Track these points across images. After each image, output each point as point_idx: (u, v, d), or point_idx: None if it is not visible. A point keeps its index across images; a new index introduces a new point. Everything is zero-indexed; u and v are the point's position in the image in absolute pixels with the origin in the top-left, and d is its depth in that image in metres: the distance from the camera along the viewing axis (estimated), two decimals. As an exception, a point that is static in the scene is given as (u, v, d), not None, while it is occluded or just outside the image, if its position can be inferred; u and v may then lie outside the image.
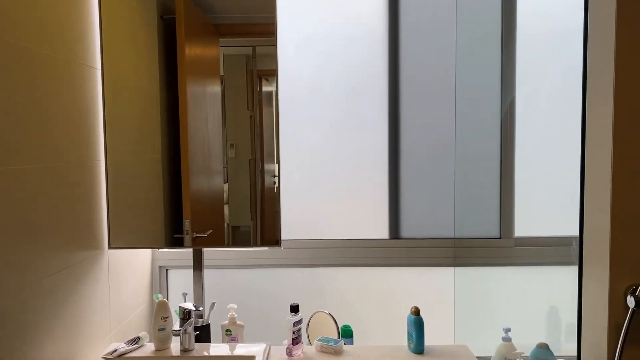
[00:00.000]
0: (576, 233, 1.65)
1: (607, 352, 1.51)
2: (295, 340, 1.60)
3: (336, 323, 1.76)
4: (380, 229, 1.98)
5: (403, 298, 1.97)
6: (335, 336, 1.74)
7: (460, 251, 1.94)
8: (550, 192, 1.93)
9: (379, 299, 1.98)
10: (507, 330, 1.77)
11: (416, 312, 1.61)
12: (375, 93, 1.95)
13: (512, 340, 1.76)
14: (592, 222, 1.56)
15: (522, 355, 1.72)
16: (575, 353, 1.68)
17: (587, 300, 1.61)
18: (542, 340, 1.80)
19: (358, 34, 1.94)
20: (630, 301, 1.44)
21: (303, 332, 1.69)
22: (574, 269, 1.69)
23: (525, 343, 1.80)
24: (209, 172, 1.78)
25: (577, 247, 1.58)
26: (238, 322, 1.73)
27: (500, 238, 1.95)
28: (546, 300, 1.92)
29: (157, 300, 1.60)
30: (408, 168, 1.96)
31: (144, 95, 1.70)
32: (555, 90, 1.91)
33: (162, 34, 1.71)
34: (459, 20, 1.91)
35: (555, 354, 1.78)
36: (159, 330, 1.57)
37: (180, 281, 2.01)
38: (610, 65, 1.45)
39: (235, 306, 1.75)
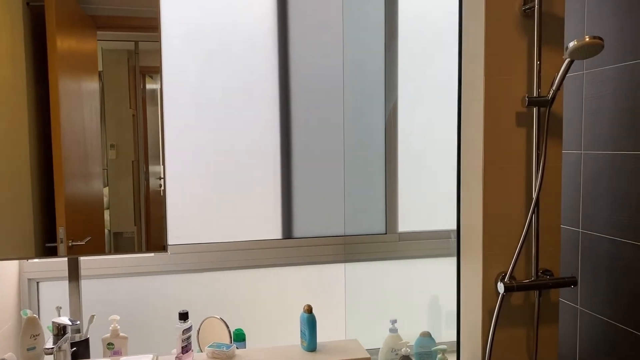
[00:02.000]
0: (454, 227, 1.77)
1: (482, 335, 1.64)
2: (185, 349, 1.53)
3: (228, 328, 1.72)
4: (272, 229, 1.98)
5: (297, 297, 1.98)
6: (227, 341, 1.70)
7: (349, 247, 2.00)
8: (431, 190, 2.06)
9: (273, 299, 1.97)
10: (394, 321, 1.86)
11: (308, 310, 1.63)
12: (266, 92, 1.94)
13: (399, 331, 1.85)
14: (468, 217, 1.69)
15: (408, 344, 1.81)
16: (455, 338, 1.80)
17: (464, 289, 1.73)
18: (425, 328, 1.92)
19: (247, 32, 1.92)
20: (500, 287, 1.58)
21: (193, 340, 1.63)
22: (453, 260, 1.81)
23: (411, 333, 1.90)
24: (86, 175, 1.65)
25: (455, 240, 1.70)
26: (121, 334, 1.62)
27: (385, 233, 2.03)
28: (428, 291, 2.03)
29: (25, 317, 1.45)
30: (300, 168, 1.98)
31: (9, 90, 1.53)
32: (435, 92, 2.04)
33: (30, 23, 1.55)
34: (346, 21, 1.96)
35: (436, 340, 1.90)
36: (28, 349, 1.42)
37: (54, 294, 1.83)
38: (480, 71, 1.58)
39: (118, 317, 1.64)
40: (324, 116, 1.98)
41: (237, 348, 1.67)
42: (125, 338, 1.62)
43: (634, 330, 1.57)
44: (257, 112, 1.94)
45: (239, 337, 1.79)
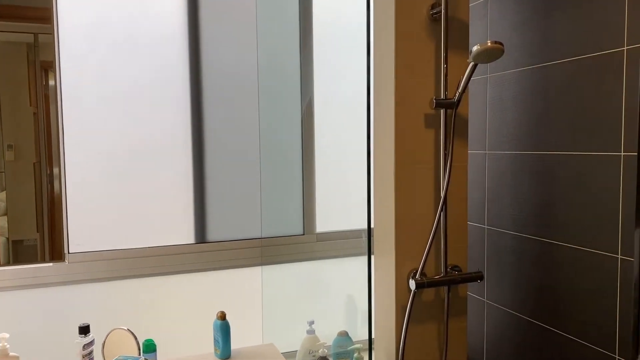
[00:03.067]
0: (366, 226, 1.79)
1: (396, 331, 1.67)
2: (87, 365, 1.43)
3: (136, 339, 1.63)
4: (185, 234, 1.90)
5: (212, 303, 1.91)
6: (135, 354, 1.61)
7: (267, 250, 1.97)
8: (347, 189, 2.07)
9: (186, 307, 1.90)
10: (311, 323, 1.85)
11: (222, 316, 1.58)
12: (176, 88, 1.86)
13: (316, 332, 1.85)
14: (380, 216, 1.71)
15: (325, 345, 1.81)
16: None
17: (377, 287, 1.76)
18: (343, 328, 1.93)
19: (156, 24, 1.83)
20: (412, 284, 1.61)
21: (97, 354, 1.52)
22: (366, 259, 1.84)
23: (329, 333, 1.90)
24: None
25: (366, 239, 1.72)
26: (11, 353, 1.48)
27: (303, 234, 2.02)
28: (345, 290, 2.05)
29: None
30: (213, 169, 1.91)
31: None
32: (349, 92, 2.06)
33: None
34: (260, 19, 1.92)
35: (354, 339, 1.92)
36: None
37: None
38: (391, 73, 1.61)
39: (7, 335, 1.49)
40: (239, 115, 1.93)
41: (146, 360, 1.59)
42: (16, 357, 1.48)
43: (534, 320, 1.67)
44: (167, 109, 1.85)
45: (149, 349, 1.70)
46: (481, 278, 1.70)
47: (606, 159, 1.40)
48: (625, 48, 1.34)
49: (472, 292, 1.98)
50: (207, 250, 1.90)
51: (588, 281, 1.47)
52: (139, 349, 1.64)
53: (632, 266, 1.34)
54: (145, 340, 1.71)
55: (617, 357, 1.39)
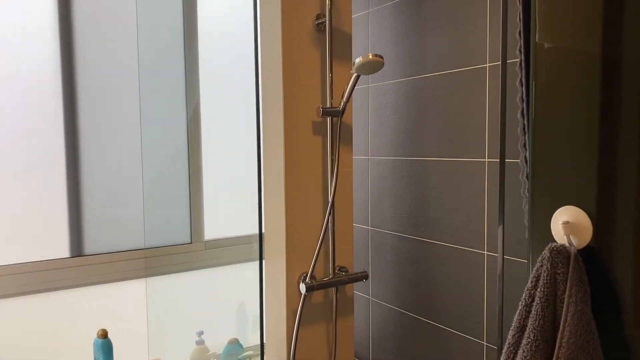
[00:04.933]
0: (257, 232, 1.79)
1: (287, 335, 1.69)
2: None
3: (2, 367, 1.46)
4: (58, 247, 1.74)
5: (92, 321, 1.78)
6: (1, 383, 1.44)
7: (151, 261, 1.88)
8: (236, 195, 2.05)
9: (61, 327, 1.74)
10: (200, 333, 1.81)
11: (103, 334, 1.48)
12: (48, 95, 1.70)
13: (206, 342, 1.81)
14: (270, 222, 1.72)
15: (215, 354, 1.77)
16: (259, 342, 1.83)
17: (268, 292, 1.77)
18: (233, 335, 1.90)
19: (20, 15, 1.66)
20: (302, 288, 1.65)
21: (-47, 388, 1.34)
22: (256, 265, 1.84)
23: (219, 342, 1.87)
24: None
25: (258, 245, 1.72)
26: None
27: (191, 243, 1.97)
28: (235, 297, 2.03)
29: None
30: (90, 177, 1.78)
31: None
32: (237, 98, 2.04)
33: None
34: (140, 20, 1.84)
35: (244, 346, 1.91)
36: None
37: None
38: (279, 82, 1.63)
39: None
40: (119, 118, 1.82)
41: (14, 389, 1.43)
42: None
43: (412, 314, 1.80)
44: (39, 116, 1.69)
45: (18, 376, 1.54)
46: (366, 277, 1.79)
47: (473, 164, 1.56)
48: (487, 65, 1.49)
49: (358, 290, 2.07)
50: (84, 264, 1.77)
51: (459, 276, 1.62)
52: (5, 378, 1.48)
53: (496, 261, 1.50)
54: (13, 367, 1.54)
55: (485, 343, 1.54)
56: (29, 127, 1.68)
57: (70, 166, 1.75)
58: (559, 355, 0.70)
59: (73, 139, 1.75)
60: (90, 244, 1.79)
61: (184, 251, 1.95)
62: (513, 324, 0.76)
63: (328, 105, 1.68)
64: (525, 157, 0.89)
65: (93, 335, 1.68)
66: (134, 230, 1.86)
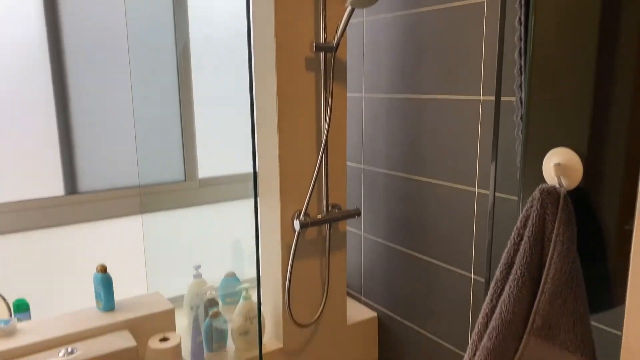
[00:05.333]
0: (251, 170, 1.80)
1: (282, 269, 1.74)
2: (-52, 334, 1.30)
3: (5, 300, 1.51)
4: (52, 185, 1.75)
5: (90, 257, 1.82)
6: (6, 316, 1.50)
7: (146, 198, 1.90)
8: (229, 133, 2.04)
9: (61, 263, 1.78)
10: (198, 267, 1.86)
11: (102, 269, 1.52)
12: (34, 36, 1.64)
13: (203, 276, 1.86)
14: (264, 160, 1.73)
15: (213, 288, 1.83)
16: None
17: (262, 228, 1.80)
18: (230, 270, 1.96)
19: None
20: (297, 225, 1.68)
21: (-41, 321, 1.39)
22: (251, 202, 1.86)
23: (216, 276, 1.93)
24: None
25: (253, 183, 1.73)
26: None
27: (185, 181, 1.98)
28: (230, 234, 2.07)
29: None
30: (80, 116, 1.76)
31: None
32: (228, 36, 1.98)
33: None
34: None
35: (240, 279, 1.97)
36: None
37: None
38: (271, 17, 1.57)
39: None
40: (107, 56, 1.77)
41: (19, 320, 1.49)
42: None
43: (403, 249, 1.85)
44: (23, 54, 1.64)
45: (21, 308, 1.59)
46: (359, 214, 1.83)
47: (467, 103, 1.55)
48: (485, 0, 1.45)
49: (350, 227, 2.12)
50: (80, 202, 1.78)
51: (449, 212, 1.65)
52: (10, 311, 1.53)
53: (486, 199, 1.53)
54: (16, 301, 1.59)
55: (472, 276, 1.60)
56: (16, 67, 1.64)
57: (60, 108, 1.72)
58: (544, 290, 0.73)
59: (61, 77, 1.71)
60: (84, 182, 1.80)
61: (179, 189, 1.97)
62: (501, 261, 0.79)
63: (321, 40, 1.64)
64: (520, 98, 0.89)
65: (92, 271, 1.72)
66: (128, 169, 1.86)
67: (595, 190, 0.79)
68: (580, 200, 0.80)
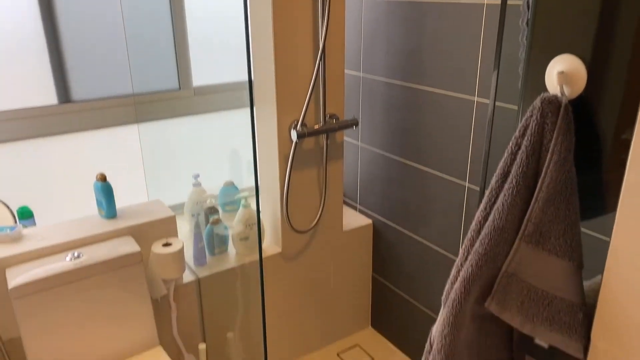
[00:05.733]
0: (246, 79, 1.76)
1: (279, 178, 1.77)
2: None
3: (8, 207, 1.54)
4: (45, 94, 1.71)
5: (89, 165, 1.83)
6: (10, 223, 1.53)
7: (141, 107, 1.87)
8: (223, 41, 1.97)
9: (60, 172, 1.79)
10: (197, 176, 1.88)
11: (102, 178, 1.53)
12: None
13: (202, 185, 1.89)
14: (260, 68, 1.68)
15: (212, 196, 1.87)
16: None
17: (260, 138, 1.80)
18: (228, 178, 1.99)
19: None
20: (294, 135, 1.68)
21: (-34, 228, 1.43)
22: (247, 111, 1.84)
23: (215, 184, 1.96)
24: None
25: (249, 91, 1.70)
26: None
27: (179, 89, 1.94)
28: (228, 143, 2.07)
29: None
30: (69, 23, 1.68)
31: None
32: None
33: None
34: None
35: (239, 187, 2.00)
36: None
37: None
38: None
39: None
40: (89, -47, 1.66)
41: (24, 227, 1.53)
42: None
43: (400, 158, 1.87)
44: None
45: (25, 215, 1.63)
46: (356, 124, 1.82)
47: (470, 6, 1.48)
48: None
49: (348, 137, 2.12)
50: (74, 110, 1.76)
51: (447, 122, 1.64)
52: (14, 217, 1.56)
53: (485, 108, 1.51)
54: (20, 208, 1.62)
55: (467, 184, 1.63)
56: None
57: (46, 15, 1.64)
58: (538, 199, 0.75)
59: (42, -25, 1.61)
60: (78, 91, 1.76)
61: (173, 97, 1.94)
62: (497, 171, 0.80)
63: (320, -63, 1.53)
64: (527, 2, 0.84)
65: (91, 180, 1.74)
66: (121, 77, 1.82)
67: (597, 99, 0.78)
68: (581, 109, 0.79)
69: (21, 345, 1.46)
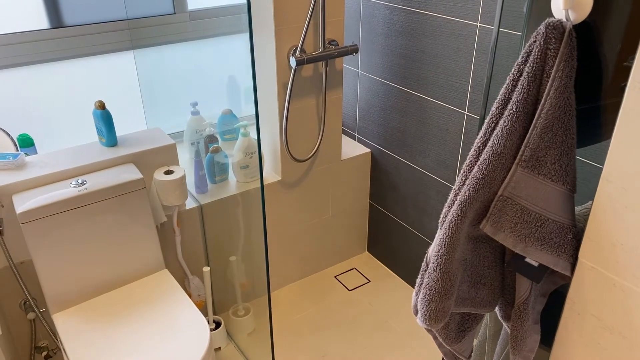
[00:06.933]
0: (241, 1, 1.71)
1: (278, 106, 1.76)
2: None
3: (9, 135, 1.55)
4: (35, 18, 1.66)
5: (86, 93, 1.81)
6: (12, 150, 1.54)
7: (136, 32, 1.83)
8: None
9: (57, 99, 1.78)
10: (195, 104, 1.87)
11: (101, 106, 1.53)
12: None
13: (201, 113, 1.89)
14: (257, -11, 1.63)
15: (211, 124, 1.87)
16: (254, 112, 1.91)
17: (258, 65, 1.78)
18: (226, 107, 1.98)
19: None
20: (292, 61, 1.65)
21: (-31, 155, 1.44)
22: (247, 37, 1.80)
23: (213, 113, 1.95)
24: None
25: (247, 15, 1.66)
26: None
27: (174, 13, 1.88)
28: (225, 70, 2.04)
29: None
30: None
31: None
32: None
33: None
34: None
35: (237, 116, 2.00)
36: None
37: None
38: None
39: None
40: None
41: (26, 155, 1.54)
42: None
43: (399, 86, 1.86)
44: None
45: (26, 143, 1.64)
46: (356, 51, 1.79)
47: None
48: None
49: (347, 64, 2.09)
50: (67, 35, 1.71)
51: (449, 48, 1.62)
52: (16, 145, 1.57)
53: (487, 33, 1.48)
54: (20, 135, 1.63)
55: (466, 112, 1.64)
56: None
57: None
58: (536, 125, 0.76)
59: None
60: (69, 16, 1.71)
61: (168, 22, 1.88)
62: (498, 97, 0.80)
63: None
64: None
65: (89, 107, 1.73)
66: (113, 1, 1.76)
67: (602, 25, 0.77)
68: (585, 35, 0.79)
69: (31, 267, 1.52)
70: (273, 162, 1.91)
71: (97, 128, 1.58)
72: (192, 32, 1.94)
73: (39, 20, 1.66)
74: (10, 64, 1.65)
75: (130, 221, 1.51)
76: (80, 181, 1.44)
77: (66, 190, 1.40)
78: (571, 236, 0.80)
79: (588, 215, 0.78)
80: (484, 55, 1.52)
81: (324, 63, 1.77)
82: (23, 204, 1.35)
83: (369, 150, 2.12)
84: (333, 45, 1.76)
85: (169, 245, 1.75)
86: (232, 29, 2.00)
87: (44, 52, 1.69)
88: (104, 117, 1.54)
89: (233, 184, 1.84)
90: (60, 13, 1.69)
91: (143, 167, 1.60)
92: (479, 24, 1.50)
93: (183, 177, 1.61)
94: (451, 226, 0.83)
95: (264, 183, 1.88)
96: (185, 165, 1.85)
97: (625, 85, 0.69)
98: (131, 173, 1.50)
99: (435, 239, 0.88)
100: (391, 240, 2.18)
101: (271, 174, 1.92)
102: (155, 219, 1.63)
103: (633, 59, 0.68)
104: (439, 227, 0.87)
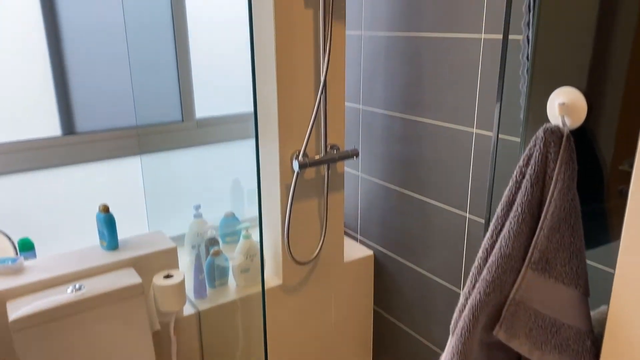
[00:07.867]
0: (247, 110, 1.79)
1: (281, 208, 1.77)
2: (-42, 271, 1.33)
3: (10, 239, 1.54)
4: (49, 126, 1.73)
5: (91, 197, 1.84)
6: (12, 254, 1.53)
7: (144, 139, 1.89)
8: (226, 74, 2.01)
9: (62, 203, 1.80)
10: (198, 207, 1.88)
11: (105, 209, 1.54)
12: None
13: (203, 216, 1.89)
14: (262, 101, 1.71)
15: (213, 227, 1.87)
16: (256, 214, 1.92)
17: (261, 169, 1.82)
18: (229, 209, 1.99)
19: None
20: (295, 165, 1.69)
21: (-33, 259, 1.42)
22: (251, 143, 1.86)
23: (215, 216, 1.96)
24: None
25: (254, 123, 1.73)
26: None
27: (182, 121, 1.97)
28: (229, 174, 2.08)
29: None
30: (74, 56, 1.72)
31: None
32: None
33: None
34: None
35: (240, 218, 2.01)
36: None
37: None
38: (268, -54, 1.51)
39: None
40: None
41: (25, 259, 1.52)
42: None
43: (400, 189, 1.88)
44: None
45: (26, 247, 1.62)
46: (357, 155, 1.84)
47: (468, 41, 1.52)
48: None
49: (348, 167, 2.14)
50: (78, 142, 1.77)
51: (447, 152, 1.67)
52: (15, 249, 1.56)
53: (484, 139, 1.54)
54: (20, 240, 1.62)
55: (468, 215, 1.64)
56: (7, 5, 1.58)
57: (52, 43, 1.68)
58: (543, 226, 0.76)
59: (52, 15, 1.66)
60: (82, 123, 1.78)
61: (176, 130, 1.96)
62: (502, 199, 0.81)
63: (321, -25, 1.59)
64: (527, 37, 0.88)
65: (93, 211, 1.74)
66: (125, 109, 1.84)
67: (597, 130, 0.80)
68: (583, 140, 0.81)
69: (18, 379, 1.43)
70: (274, 265, 1.88)
71: (99, 231, 1.57)
72: (198, 138, 2.01)
73: (52, 126, 1.73)
74: (19, 169, 1.69)
75: (126, 328, 1.45)
76: (77, 286, 1.40)
77: (62, 296, 1.36)
78: (589, 343, 0.77)
79: (603, 320, 0.75)
80: (481, 160, 1.56)
81: (326, 166, 1.81)
82: (16, 310, 1.30)
83: (371, 252, 2.10)
84: (334, 149, 1.81)
85: (164, 353, 1.67)
86: (236, 135, 2.07)
87: (54, 158, 1.74)
88: (107, 221, 1.54)
89: (233, 289, 1.79)
90: (73, 120, 1.76)
91: (143, 271, 1.57)
92: (475, 130, 1.56)
93: (182, 282, 1.57)
94: (463, 332, 0.79)
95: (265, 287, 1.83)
96: (185, 268, 1.82)
97: (622, 189, 0.69)
98: (130, 277, 1.46)
99: (447, 347, 0.84)
100: (398, 348, 2.07)
101: (272, 278, 1.88)
102: (152, 325, 1.57)
103: (629, 163, 0.69)
104: (451, 333, 0.83)
